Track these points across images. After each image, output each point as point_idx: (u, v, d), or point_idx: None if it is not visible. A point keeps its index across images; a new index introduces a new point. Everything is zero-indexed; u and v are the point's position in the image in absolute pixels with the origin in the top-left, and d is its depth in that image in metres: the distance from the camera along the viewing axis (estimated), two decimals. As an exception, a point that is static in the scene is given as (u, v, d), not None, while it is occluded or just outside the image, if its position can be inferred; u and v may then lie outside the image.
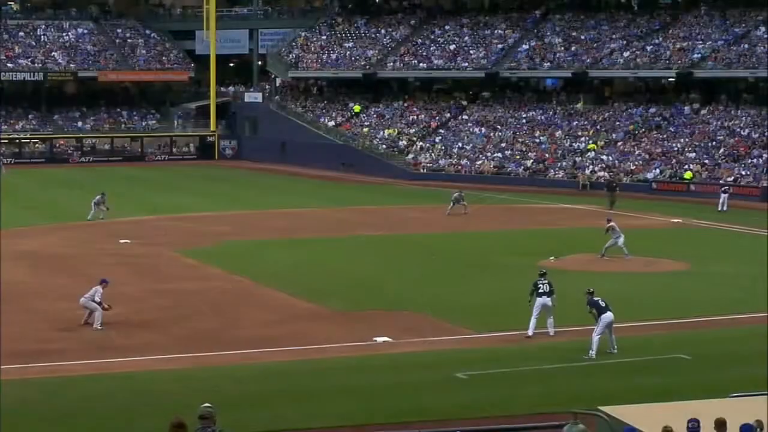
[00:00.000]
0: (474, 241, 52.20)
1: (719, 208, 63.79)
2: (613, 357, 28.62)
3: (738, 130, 79.79)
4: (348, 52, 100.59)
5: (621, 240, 45.70)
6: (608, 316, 28.83)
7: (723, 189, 66.57)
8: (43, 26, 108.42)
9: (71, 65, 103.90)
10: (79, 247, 48.94)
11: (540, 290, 31.20)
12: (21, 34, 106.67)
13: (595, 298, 29.18)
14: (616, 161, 79.73)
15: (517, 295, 37.71)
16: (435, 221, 59.54)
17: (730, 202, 64.76)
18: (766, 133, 77.90)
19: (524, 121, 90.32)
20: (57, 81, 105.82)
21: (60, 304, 35.32)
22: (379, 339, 30.80)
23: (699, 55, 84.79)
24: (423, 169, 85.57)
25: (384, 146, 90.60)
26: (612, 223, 46.70)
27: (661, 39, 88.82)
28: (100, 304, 31.79)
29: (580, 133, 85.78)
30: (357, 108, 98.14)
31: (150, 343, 30.49)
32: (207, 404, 14.71)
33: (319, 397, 24.82)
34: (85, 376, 26.80)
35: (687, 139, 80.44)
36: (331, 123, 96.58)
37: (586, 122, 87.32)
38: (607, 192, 65.73)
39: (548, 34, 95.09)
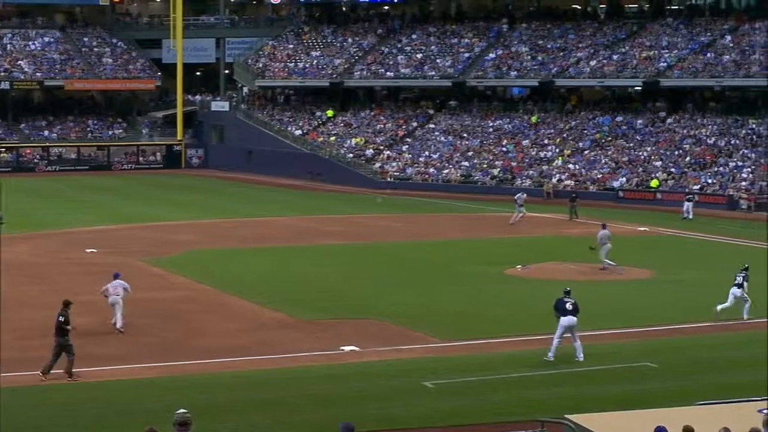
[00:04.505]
0: (440, 249, 52.27)
1: (683, 216, 64.12)
2: (579, 365, 28.65)
3: (704, 138, 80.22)
4: (315, 61, 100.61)
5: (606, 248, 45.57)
6: (567, 319, 28.74)
7: (687, 197, 66.94)
8: (9, 35, 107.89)
9: (37, 74, 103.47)
10: (46, 256, 48.74)
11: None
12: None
13: (565, 300, 29.07)
14: (583, 170, 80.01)
15: (483, 304, 38.00)
16: (402, 230, 59.60)
17: (696, 210, 65.08)
18: (731, 142, 78.40)
19: (491, 129, 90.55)
20: (23, 90, 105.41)
21: (30, 312, 35.14)
22: (346, 348, 30.78)
23: (665, 64, 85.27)
24: (390, 178, 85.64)
25: (351, 155, 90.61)
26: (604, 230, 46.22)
27: (627, 48, 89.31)
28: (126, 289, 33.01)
29: (546, 142, 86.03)
30: (330, 113, 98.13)
31: (117, 352, 30.38)
32: (183, 410, 14.60)
33: (287, 406, 24.79)
34: (54, 385, 26.65)
35: (653, 148, 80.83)
36: (298, 132, 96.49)
37: (552, 131, 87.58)
38: (569, 203, 65.67)
39: (515, 43, 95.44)
